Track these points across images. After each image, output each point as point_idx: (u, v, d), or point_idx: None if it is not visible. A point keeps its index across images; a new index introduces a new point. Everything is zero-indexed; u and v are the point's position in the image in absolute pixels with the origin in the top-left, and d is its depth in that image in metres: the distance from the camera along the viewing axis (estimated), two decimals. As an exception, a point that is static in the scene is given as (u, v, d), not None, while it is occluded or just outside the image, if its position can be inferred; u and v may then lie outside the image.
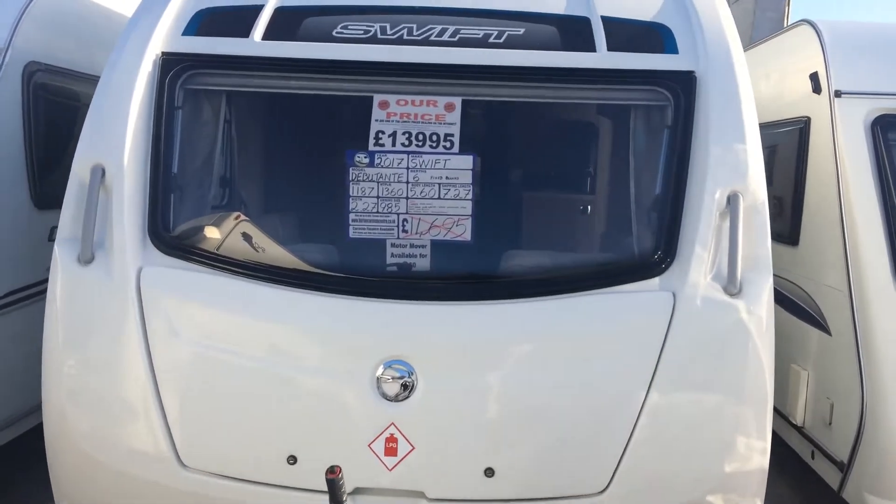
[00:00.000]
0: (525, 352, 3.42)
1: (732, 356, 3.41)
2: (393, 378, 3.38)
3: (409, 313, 3.47)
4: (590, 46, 3.78)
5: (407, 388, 3.37)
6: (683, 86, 3.70)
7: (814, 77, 5.31)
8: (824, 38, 5.32)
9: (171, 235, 3.62)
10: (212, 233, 3.79)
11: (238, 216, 3.96)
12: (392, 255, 3.78)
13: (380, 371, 3.39)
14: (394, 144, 3.77)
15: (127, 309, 3.45)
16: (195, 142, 4.04)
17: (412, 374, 3.38)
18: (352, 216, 3.76)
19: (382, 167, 3.75)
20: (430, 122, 3.81)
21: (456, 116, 3.81)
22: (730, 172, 3.50)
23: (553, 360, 3.40)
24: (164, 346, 3.45)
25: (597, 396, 3.41)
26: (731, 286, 3.39)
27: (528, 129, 4.38)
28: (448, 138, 3.78)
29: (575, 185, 4.43)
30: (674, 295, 3.41)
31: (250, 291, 3.51)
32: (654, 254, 3.54)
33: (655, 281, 3.49)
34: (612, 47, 3.77)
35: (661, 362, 3.37)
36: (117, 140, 3.57)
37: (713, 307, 3.40)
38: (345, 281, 3.59)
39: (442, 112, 3.83)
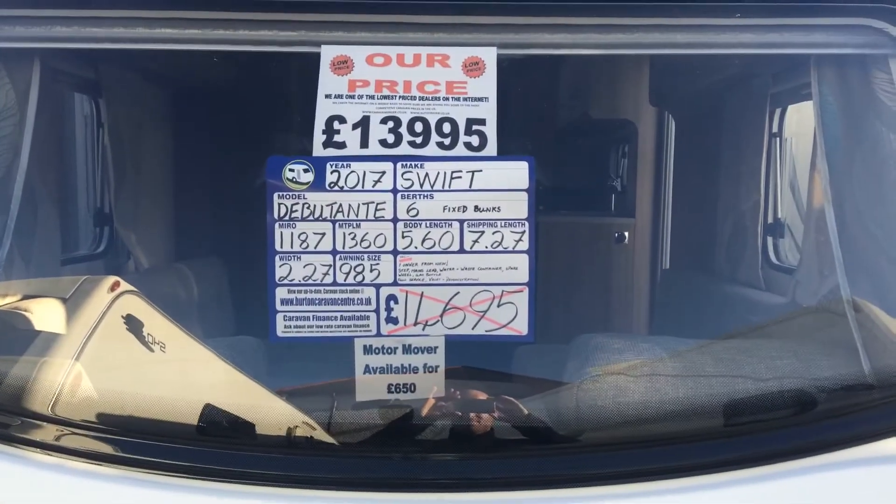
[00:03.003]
0: None
1: None
2: None
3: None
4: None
5: None
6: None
7: None
8: None
9: None
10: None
11: (68, 294, 1.99)
12: (365, 373, 1.83)
13: None
14: (364, 143, 1.83)
15: None
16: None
17: None
18: (278, 294, 1.81)
19: (343, 189, 1.80)
20: (438, 98, 1.88)
21: (488, 84, 1.89)
22: None
23: None
24: None
25: None
26: None
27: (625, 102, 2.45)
28: (475, 128, 1.85)
29: (737, 209, 2.52)
30: None
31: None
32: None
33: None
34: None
35: None
36: None
37: None
38: (271, 455, 1.66)
39: (460, 77, 1.90)
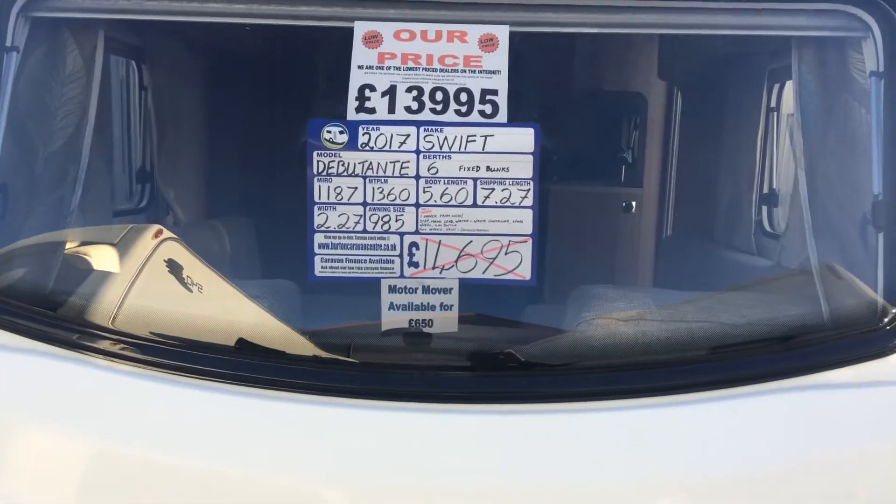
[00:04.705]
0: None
1: None
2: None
3: (433, 431, 1.83)
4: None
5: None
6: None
7: None
8: None
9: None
10: (72, 274, 2.11)
11: (117, 239, 2.28)
12: (391, 308, 2.12)
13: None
14: (392, 109, 2.10)
15: None
16: (49, 110, 2.35)
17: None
18: (316, 240, 2.09)
19: (373, 149, 2.07)
20: (456, 70, 2.14)
21: (500, 58, 2.14)
22: None
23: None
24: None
25: None
26: None
27: (626, 77, 2.70)
28: (488, 98, 2.11)
29: (716, 171, 2.77)
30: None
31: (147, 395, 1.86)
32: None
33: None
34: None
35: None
36: None
37: None
38: (306, 369, 1.95)
39: (476, 51, 2.16)
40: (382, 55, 2.15)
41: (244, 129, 2.75)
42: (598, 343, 2.14)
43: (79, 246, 2.19)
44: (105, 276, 2.18)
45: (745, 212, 3.42)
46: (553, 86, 2.61)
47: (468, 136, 2.07)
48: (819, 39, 2.29)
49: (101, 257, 2.26)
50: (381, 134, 2.07)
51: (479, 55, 2.15)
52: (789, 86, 2.85)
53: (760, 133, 3.55)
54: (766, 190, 3.64)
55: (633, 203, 3.97)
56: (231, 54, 2.58)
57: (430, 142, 2.07)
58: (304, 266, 2.08)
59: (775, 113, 3.45)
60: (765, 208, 3.64)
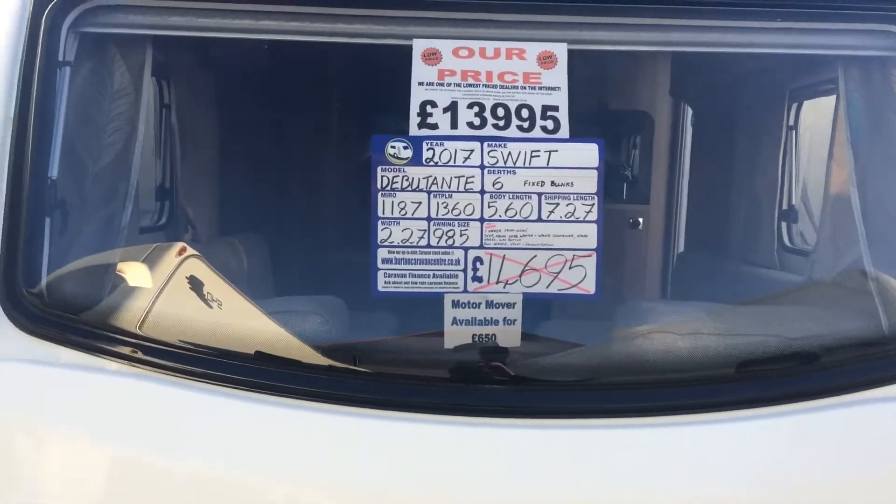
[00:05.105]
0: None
1: None
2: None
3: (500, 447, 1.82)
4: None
5: None
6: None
7: None
8: None
9: (43, 299, 1.92)
10: (126, 291, 2.08)
11: (176, 258, 2.25)
12: (454, 323, 2.11)
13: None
14: (454, 125, 2.10)
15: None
16: (97, 125, 2.33)
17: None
18: (380, 255, 2.08)
19: (437, 165, 2.07)
20: (516, 87, 2.15)
21: (560, 75, 2.16)
22: None
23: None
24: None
25: None
26: None
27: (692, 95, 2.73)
28: (549, 114, 2.12)
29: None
30: None
31: (208, 408, 1.83)
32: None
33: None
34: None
35: None
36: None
37: None
38: (369, 383, 1.95)
39: (535, 68, 2.17)
40: (442, 72, 2.16)
41: (296, 148, 2.73)
42: (658, 357, 2.15)
43: (134, 263, 2.15)
44: (175, 292, 2.13)
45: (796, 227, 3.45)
46: (614, 100, 2.64)
47: (532, 152, 2.08)
48: (865, 58, 2.34)
49: (163, 275, 2.21)
50: (445, 149, 2.07)
51: (538, 72, 2.17)
52: (822, 104, 2.91)
53: (787, 151, 3.61)
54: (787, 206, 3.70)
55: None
56: (282, 72, 2.56)
57: (494, 157, 2.07)
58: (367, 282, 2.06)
59: (806, 131, 3.51)
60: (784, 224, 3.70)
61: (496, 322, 2.11)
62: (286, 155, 2.78)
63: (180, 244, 2.24)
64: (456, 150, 2.07)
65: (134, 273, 2.20)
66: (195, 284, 2.05)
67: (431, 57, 2.17)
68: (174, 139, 2.62)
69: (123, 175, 2.32)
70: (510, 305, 2.11)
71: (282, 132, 2.76)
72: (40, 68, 2.09)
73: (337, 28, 2.22)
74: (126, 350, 1.87)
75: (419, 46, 2.17)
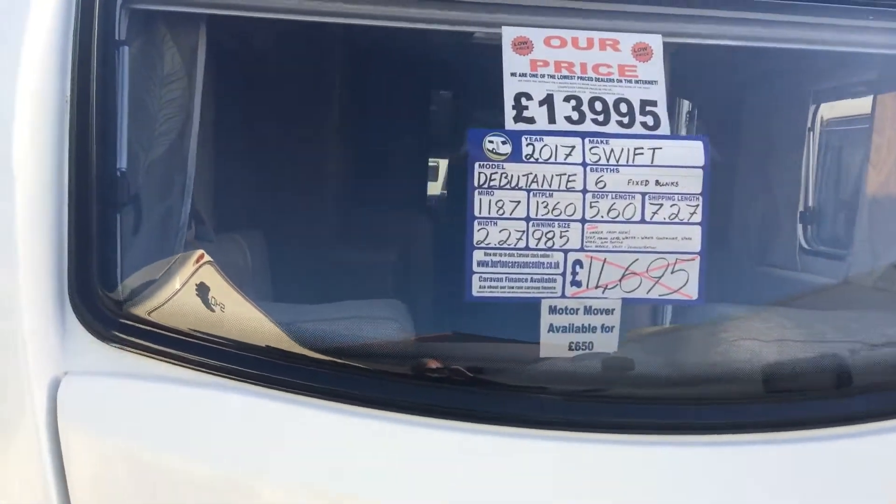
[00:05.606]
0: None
1: None
2: None
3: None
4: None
5: None
6: None
7: None
8: None
9: (118, 303, 1.73)
10: (201, 295, 1.89)
11: (247, 258, 2.07)
12: (551, 330, 1.99)
13: None
14: (552, 120, 1.98)
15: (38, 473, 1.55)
16: (153, 111, 2.13)
17: None
18: (475, 257, 1.95)
19: (538, 161, 1.95)
20: (612, 80, 2.04)
21: (656, 68, 2.06)
22: None
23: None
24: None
25: None
26: None
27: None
28: (648, 109, 2.02)
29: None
30: None
31: (297, 419, 1.67)
32: None
33: None
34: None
35: None
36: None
37: None
38: (468, 396, 1.82)
39: (630, 61, 2.06)
40: (535, 62, 2.03)
41: (378, 143, 2.55)
42: (746, 367, 2.07)
43: (212, 266, 1.96)
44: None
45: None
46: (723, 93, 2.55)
47: (636, 149, 1.97)
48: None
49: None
50: (546, 145, 1.95)
51: (633, 64, 2.06)
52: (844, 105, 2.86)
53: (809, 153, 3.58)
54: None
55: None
56: (363, 58, 2.37)
57: (596, 154, 1.96)
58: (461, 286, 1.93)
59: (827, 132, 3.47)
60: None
61: (594, 329, 2.00)
62: (359, 150, 2.59)
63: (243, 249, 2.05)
64: (557, 146, 1.95)
65: (211, 277, 2.01)
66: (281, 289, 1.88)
67: (522, 46, 2.04)
68: (231, 129, 2.41)
69: (180, 166, 2.13)
70: (609, 311, 2.00)
71: (352, 124, 2.57)
72: (98, 47, 1.89)
73: (423, 14, 2.07)
74: (232, 364, 1.69)
75: (509, 34, 2.04)
